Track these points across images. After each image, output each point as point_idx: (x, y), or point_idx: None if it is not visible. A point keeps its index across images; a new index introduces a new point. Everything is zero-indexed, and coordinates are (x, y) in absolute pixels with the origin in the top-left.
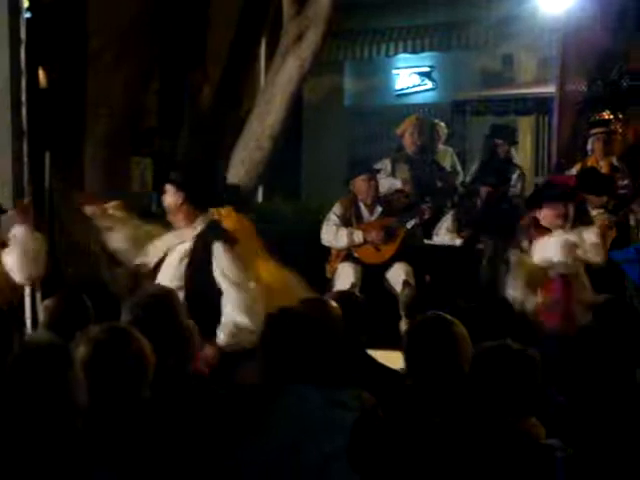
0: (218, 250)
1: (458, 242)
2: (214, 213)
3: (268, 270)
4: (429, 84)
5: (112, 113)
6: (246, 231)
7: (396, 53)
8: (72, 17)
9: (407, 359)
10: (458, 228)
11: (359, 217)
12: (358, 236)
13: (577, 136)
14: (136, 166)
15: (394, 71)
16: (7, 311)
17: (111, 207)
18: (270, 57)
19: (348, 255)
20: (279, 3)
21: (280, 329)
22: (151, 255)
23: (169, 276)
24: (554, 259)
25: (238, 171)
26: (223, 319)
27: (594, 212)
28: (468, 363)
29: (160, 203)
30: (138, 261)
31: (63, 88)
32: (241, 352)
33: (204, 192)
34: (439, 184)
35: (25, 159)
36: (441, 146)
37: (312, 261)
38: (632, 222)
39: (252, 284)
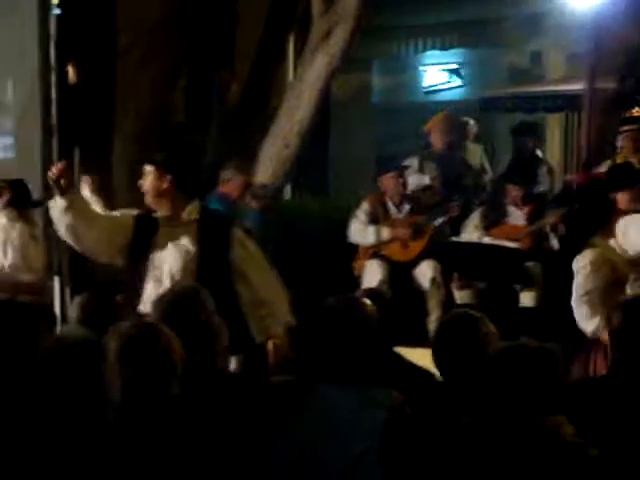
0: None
1: (486, 240)
2: None
3: None
4: (457, 81)
5: (140, 109)
6: None
7: (424, 50)
8: (101, 14)
9: (435, 356)
10: (485, 225)
11: (387, 214)
12: (386, 233)
13: (607, 133)
14: None
15: (422, 68)
16: (37, 307)
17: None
18: (299, 54)
19: (376, 252)
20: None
21: (315, 326)
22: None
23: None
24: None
25: (266, 168)
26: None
27: None
28: None
29: None
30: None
31: (92, 84)
32: None
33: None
34: (467, 181)
35: (54, 155)
36: (470, 143)
37: (340, 258)
38: None
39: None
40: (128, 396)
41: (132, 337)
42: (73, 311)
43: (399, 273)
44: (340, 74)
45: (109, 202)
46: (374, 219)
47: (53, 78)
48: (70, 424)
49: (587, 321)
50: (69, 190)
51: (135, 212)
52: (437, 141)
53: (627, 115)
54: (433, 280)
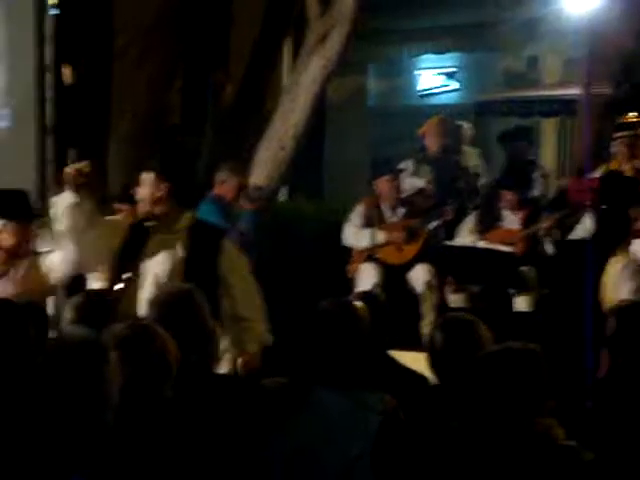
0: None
1: (480, 244)
2: None
3: None
4: (453, 85)
5: (136, 110)
6: None
7: (420, 54)
8: (98, 14)
9: (429, 360)
10: (480, 229)
11: (381, 218)
12: (380, 237)
13: (601, 139)
14: None
15: (418, 72)
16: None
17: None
18: (294, 56)
19: (370, 256)
20: (304, 2)
21: (309, 329)
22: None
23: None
24: None
25: (261, 170)
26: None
27: None
28: None
29: None
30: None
31: (88, 85)
32: None
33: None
34: (462, 185)
35: (49, 156)
36: (465, 147)
37: (334, 261)
38: None
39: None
40: (123, 398)
41: (126, 338)
42: (67, 312)
43: (393, 276)
44: (336, 77)
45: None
46: (369, 222)
47: (49, 79)
48: (70, 425)
49: None
50: (81, 189)
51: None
52: (432, 144)
53: (622, 121)
54: (427, 284)
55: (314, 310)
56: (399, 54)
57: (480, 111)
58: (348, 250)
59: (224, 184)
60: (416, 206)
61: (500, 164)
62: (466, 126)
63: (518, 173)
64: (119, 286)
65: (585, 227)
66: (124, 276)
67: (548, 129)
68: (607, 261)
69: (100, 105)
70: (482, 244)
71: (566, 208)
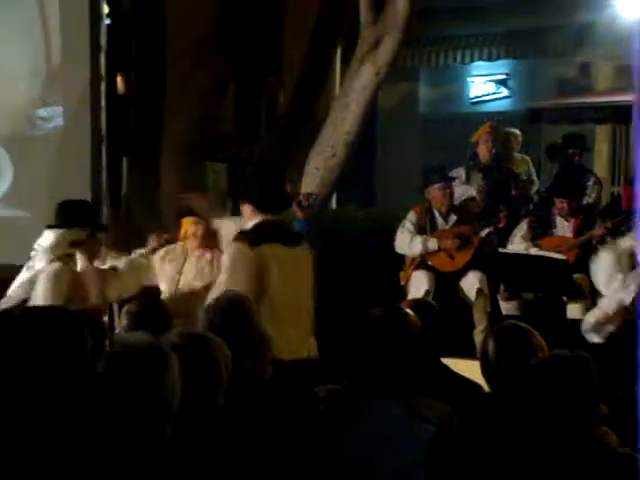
0: None
1: (533, 251)
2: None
3: None
4: (504, 92)
5: (189, 119)
6: None
7: (472, 61)
8: (151, 24)
9: (484, 368)
10: (533, 236)
11: (434, 225)
12: (432, 244)
13: None
14: (211, 171)
15: (469, 79)
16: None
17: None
18: (346, 64)
19: (422, 263)
20: (356, 10)
21: (361, 336)
22: None
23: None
24: None
25: (313, 178)
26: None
27: None
28: None
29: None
30: None
31: (141, 94)
32: None
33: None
34: (513, 192)
35: (103, 164)
36: (517, 154)
37: (385, 268)
38: None
39: None
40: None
41: (178, 347)
42: (123, 319)
43: (445, 284)
44: (387, 84)
45: (156, 211)
46: (421, 229)
47: (103, 88)
48: (125, 434)
49: None
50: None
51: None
52: (483, 152)
53: None
54: (479, 291)
55: (366, 317)
56: (450, 61)
57: (532, 118)
58: (400, 257)
59: None
60: (468, 213)
61: (552, 171)
62: (517, 133)
63: (571, 181)
64: None
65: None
66: None
67: (600, 136)
68: None
69: (153, 114)
70: (534, 251)
71: (619, 215)
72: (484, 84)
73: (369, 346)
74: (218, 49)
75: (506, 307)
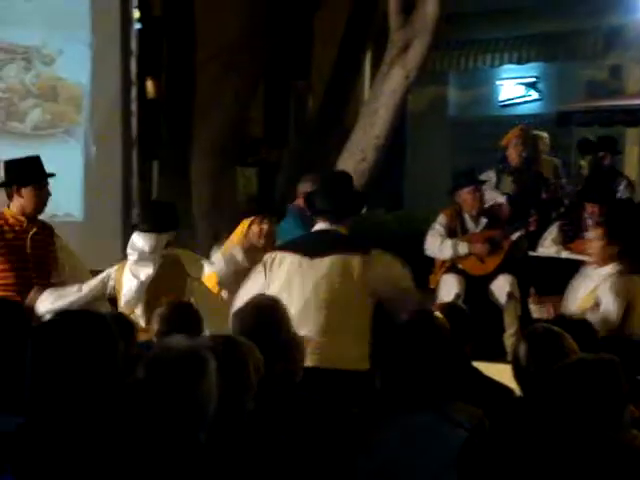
0: None
1: (564, 254)
2: None
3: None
4: (534, 95)
5: (218, 123)
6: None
7: (501, 64)
8: (181, 29)
9: (516, 372)
10: (563, 240)
11: (464, 228)
12: (463, 248)
13: None
14: (242, 176)
15: (499, 82)
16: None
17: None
18: (375, 67)
19: (452, 266)
20: (385, 14)
21: (391, 340)
22: None
23: None
24: None
25: None
26: None
27: None
28: None
29: None
30: None
31: (172, 98)
32: None
33: None
34: (543, 195)
35: (134, 168)
36: (546, 157)
37: (415, 272)
38: None
39: None
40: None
41: (211, 351)
42: (154, 323)
43: (475, 287)
44: (416, 88)
45: (188, 216)
46: (451, 233)
47: (134, 92)
48: (159, 441)
49: None
50: None
51: None
52: (513, 155)
53: None
54: (510, 295)
55: (396, 321)
56: (480, 64)
57: (562, 121)
58: (430, 260)
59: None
60: (499, 217)
61: (583, 174)
62: (545, 136)
63: (602, 185)
64: None
65: None
66: None
67: (631, 138)
68: None
69: (183, 118)
70: (566, 254)
71: None
72: (514, 87)
73: (400, 351)
74: (248, 53)
75: (537, 311)
